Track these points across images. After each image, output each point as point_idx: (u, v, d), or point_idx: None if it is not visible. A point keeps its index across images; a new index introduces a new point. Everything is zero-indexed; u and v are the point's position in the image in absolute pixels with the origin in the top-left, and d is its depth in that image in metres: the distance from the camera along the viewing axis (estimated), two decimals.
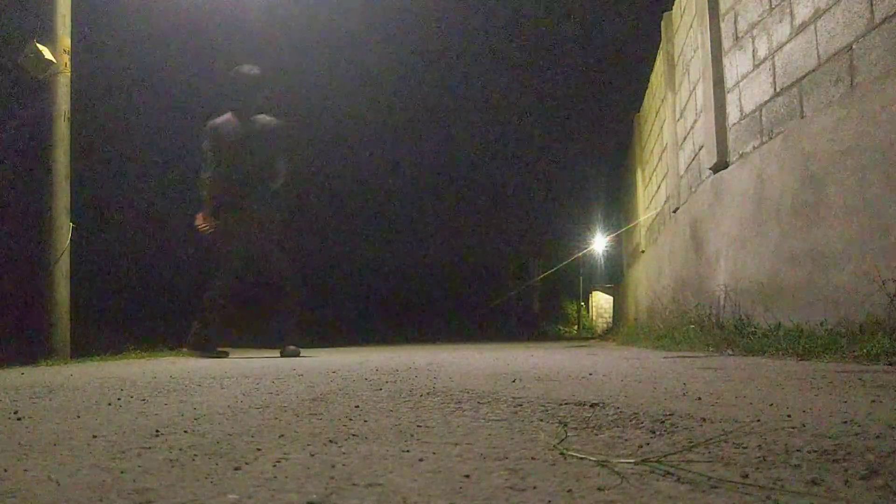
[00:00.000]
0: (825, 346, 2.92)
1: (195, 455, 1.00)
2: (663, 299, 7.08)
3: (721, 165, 4.76)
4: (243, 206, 5.11)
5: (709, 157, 4.97)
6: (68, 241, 4.92)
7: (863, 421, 1.18)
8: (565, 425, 1.23)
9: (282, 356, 4.98)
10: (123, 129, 11.10)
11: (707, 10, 4.93)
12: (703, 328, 4.74)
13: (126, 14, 10.58)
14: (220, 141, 5.10)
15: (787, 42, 3.82)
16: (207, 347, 4.99)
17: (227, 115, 5.18)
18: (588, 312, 33.43)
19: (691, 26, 5.79)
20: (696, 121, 5.69)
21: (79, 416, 1.47)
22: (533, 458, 0.94)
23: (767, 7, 4.06)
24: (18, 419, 1.44)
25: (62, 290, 4.86)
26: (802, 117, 3.63)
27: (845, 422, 1.18)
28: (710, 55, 4.88)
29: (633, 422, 1.25)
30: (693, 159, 5.86)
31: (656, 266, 8.17)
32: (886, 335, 2.64)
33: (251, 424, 1.31)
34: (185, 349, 5.18)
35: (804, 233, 3.52)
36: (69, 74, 5.06)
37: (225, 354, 5.03)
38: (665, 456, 0.93)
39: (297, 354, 5.04)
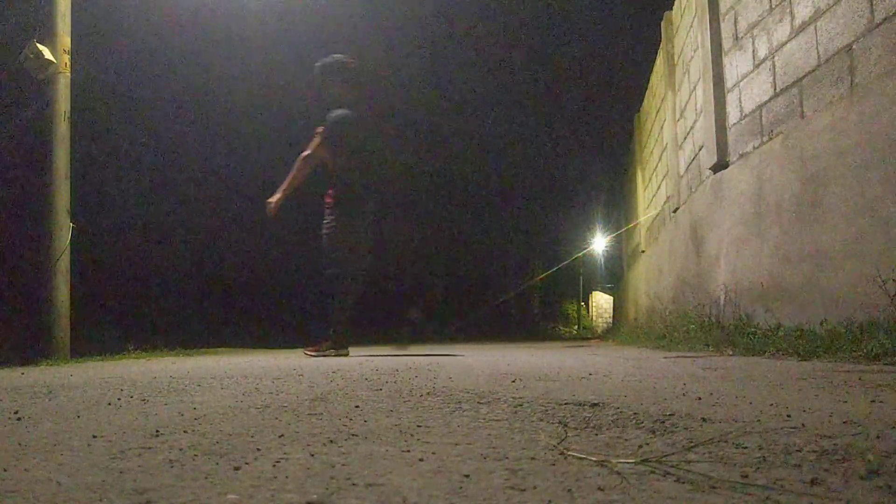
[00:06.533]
0: (825, 346, 2.92)
1: (195, 455, 1.00)
2: (663, 299, 7.08)
3: (721, 165, 4.76)
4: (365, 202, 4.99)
5: (709, 157, 4.97)
6: (68, 241, 4.92)
7: (863, 421, 1.18)
8: (565, 425, 1.23)
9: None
10: (123, 128, 11.10)
11: (707, 10, 4.93)
12: (703, 328, 4.73)
13: (126, 13, 10.58)
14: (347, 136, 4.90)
15: (787, 42, 3.82)
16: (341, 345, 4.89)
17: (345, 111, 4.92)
18: (588, 312, 33.42)
19: (691, 26, 5.78)
20: (696, 121, 5.69)
21: (79, 416, 1.47)
22: (533, 458, 0.94)
23: (767, 7, 4.06)
24: (18, 419, 1.44)
25: (62, 290, 4.86)
26: (802, 117, 3.63)
27: (845, 422, 1.18)
28: (710, 55, 4.88)
29: (633, 422, 1.25)
30: (693, 159, 5.86)
31: (656, 266, 8.16)
32: (886, 335, 2.64)
33: (251, 424, 1.31)
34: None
35: (804, 233, 3.51)
36: (69, 74, 5.06)
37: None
38: (665, 456, 0.93)
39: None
